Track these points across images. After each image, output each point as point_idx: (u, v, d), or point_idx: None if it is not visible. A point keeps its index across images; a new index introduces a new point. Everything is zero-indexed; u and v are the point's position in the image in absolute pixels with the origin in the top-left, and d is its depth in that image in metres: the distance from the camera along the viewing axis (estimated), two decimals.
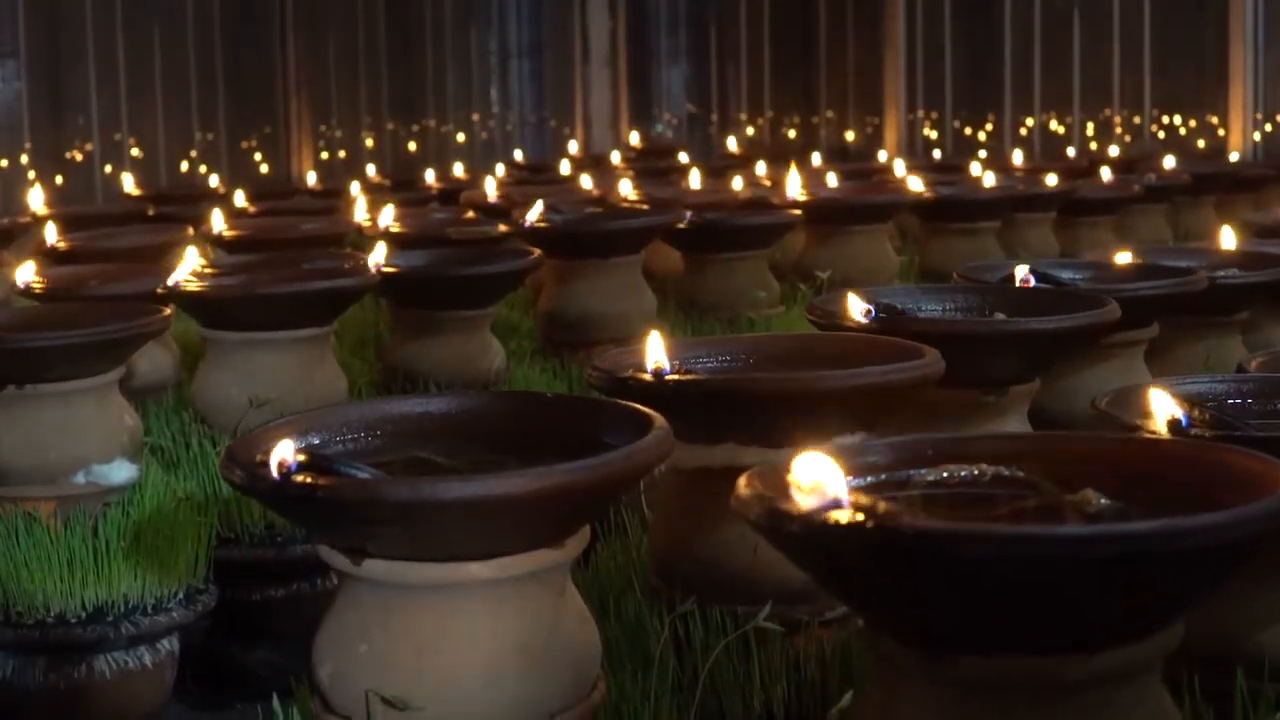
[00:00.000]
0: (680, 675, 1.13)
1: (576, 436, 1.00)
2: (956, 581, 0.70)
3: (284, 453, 0.89)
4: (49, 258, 2.44)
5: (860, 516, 0.70)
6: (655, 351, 1.16)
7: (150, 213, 3.26)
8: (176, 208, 3.32)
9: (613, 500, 0.99)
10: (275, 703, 1.04)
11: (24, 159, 4.46)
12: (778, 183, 3.34)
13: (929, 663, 0.75)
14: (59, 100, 4.48)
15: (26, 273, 2.03)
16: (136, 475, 1.66)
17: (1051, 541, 0.67)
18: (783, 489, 0.76)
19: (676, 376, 1.13)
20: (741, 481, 0.80)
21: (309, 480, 0.88)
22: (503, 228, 2.32)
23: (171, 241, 2.51)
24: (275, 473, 0.89)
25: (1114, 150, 4.60)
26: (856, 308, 1.38)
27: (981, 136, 5.34)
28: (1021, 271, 1.63)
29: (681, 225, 2.33)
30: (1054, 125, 5.16)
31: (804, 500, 0.73)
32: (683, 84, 5.70)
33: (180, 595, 1.66)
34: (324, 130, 5.07)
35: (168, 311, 1.67)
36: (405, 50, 5.20)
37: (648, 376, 1.13)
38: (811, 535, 0.71)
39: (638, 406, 1.02)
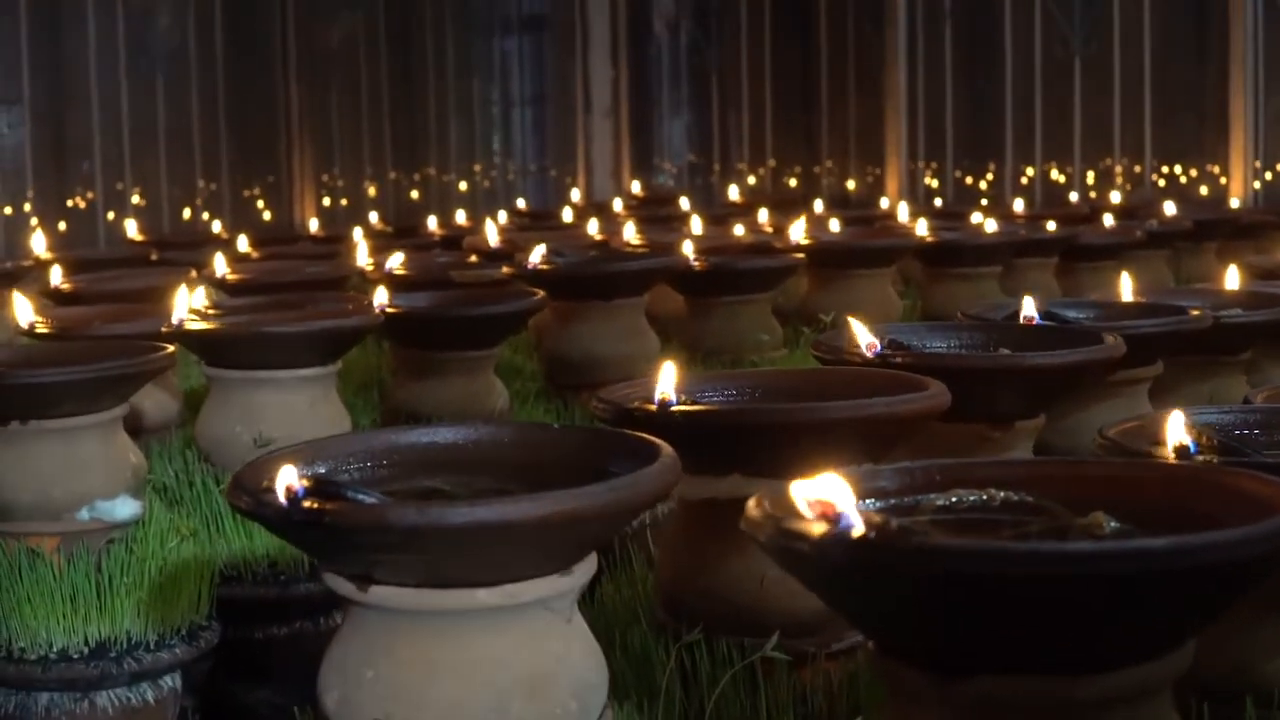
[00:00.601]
0: (686, 708, 1.12)
1: (583, 466, 1.00)
2: (969, 600, 0.70)
3: (290, 478, 0.89)
4: (52, 299, 2.44)
5: (871, 534, 0.70)
6: (662, 384, 1.16)
7: (153, 257, 3.27)
8: (180, 253, 3.33)
9: (621, 527, 0.98)
10: None
11: (26, 206, 4.47)
12: (780, 230, 3.36)
13: (940, 685, 0.74)
14: (62, 147, 4.50)
15: (28, 313, 2.04)
16: (140, 512, 1.66)
17: (1066, 558, 0.67)
18: (793, 510, 0.76)
19: (682, 407, 1.13)
20: (751, 503, 0.80)
21: (316, 505, 0.88)
22: (506, 270, 2.32)
23: (175, 284, 2.51)
24: (282, 498, 0.89)
25: (1115, 198, 4.61)
26: (863, 342, 1.38)
27: (983, 186, 5.36)
28: (1027, 309, 1.63)
29: (685, 268, 2.33)
30: (1055, 175, 5.18)
31: (815, 519, 0.73)
32: (684, 134, 5.73)
33: (183, 632, 1.66)
34: (326, 179, 5.09)
35: (172, 349, 1.67)
36: (408, 100, 5.23)
37: (653, 407, 1.13)
38: (823, 554, 0.71)
39: (644, 436, 1.02)
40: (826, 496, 0.73)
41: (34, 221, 4.40)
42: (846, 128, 5.39)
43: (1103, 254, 3.26)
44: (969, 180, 5.38)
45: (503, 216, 4.17)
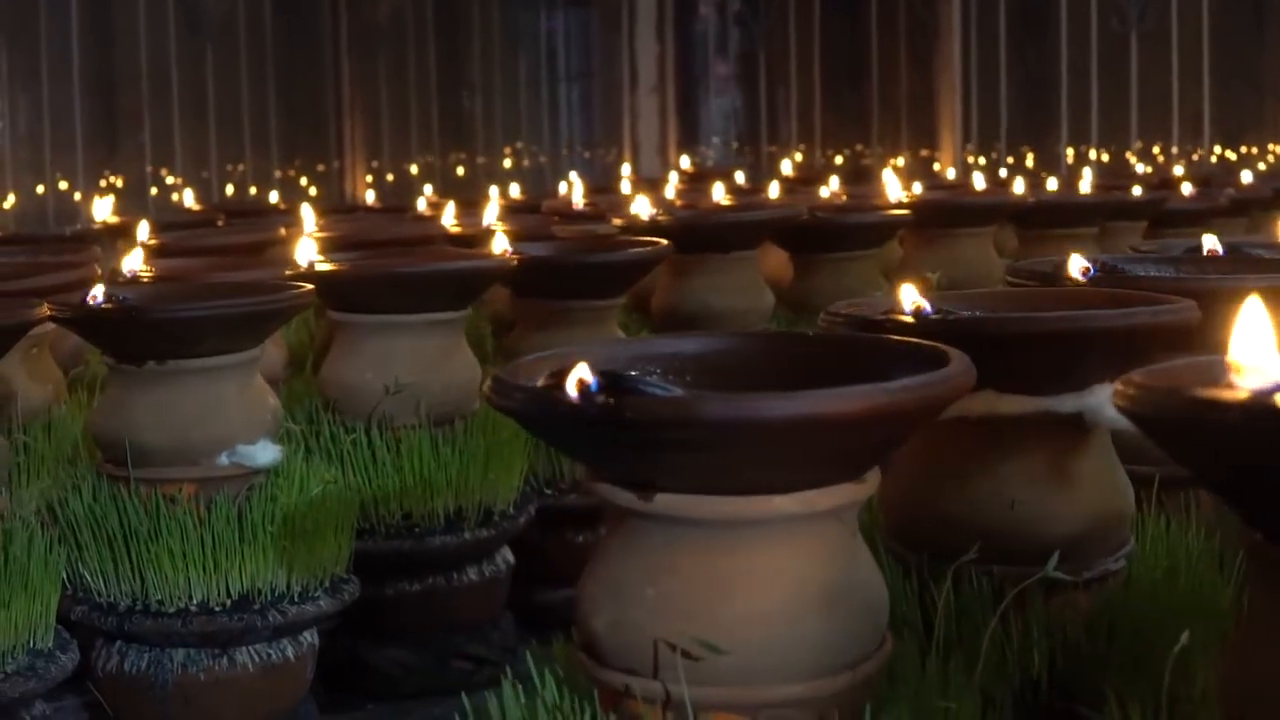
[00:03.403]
0: (950, 637, 1.04)
1: (851, 376, 0.91)
2: None
3: (583, 372, 0.81)
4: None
5: None
6: (908, 297, 1.08)
7: (220, 223, 3.19)
8: (245, 220, 3.25)
9: (918, 430, 0.90)
10: (529, 660, 0.95)
11: (63, 184, 4.39)
12: (856, 196, 3.29)
13: None
14: (112, 121, 4.42)
15: (134, 262, 1.95)
16: (280, 457, 1.57)
17: None
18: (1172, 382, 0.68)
19: (943, 316, 1.05)
20: (1119, 385, 0.73)
21: (615, 399, 0.80)
22: (616, 221, 2.24)
23: (265, 240, 2.44)
24: (573, 393, 0.81)
25: (1178, 171, 4.53)
26: (1075, 267, 1.31)
27: (1029, 164, 5.28)
28: (1209, 242, 1.56)
29: (804, 220, 2.26)
30: (1112, 152, 5.10)
31: (1241, 385, 0.65)
32: (731, 110, 5.64)
33: (326, 584, 1.58)
34: (373, 155, 5.01)
35: (310, 287, 1.59)
36: (454, 76, 5.14)
37: (908, 317, 1.05)
38: (1255, 419, 0.63)
39: (925, 342, 0.94)
40: (1258, 360, 0.65)
41: (77, 196, 4.33)
42: (898, 105, 5.32)
43: (1189, 219, 3.19)
44: (1011, 159, 5.30)
45: (563, 188, 4.08)
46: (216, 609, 1.52)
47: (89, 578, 1.55)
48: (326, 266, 1.72)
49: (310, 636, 1.60)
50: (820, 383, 0.87)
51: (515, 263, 1.78)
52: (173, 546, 1.51)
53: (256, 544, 1.52)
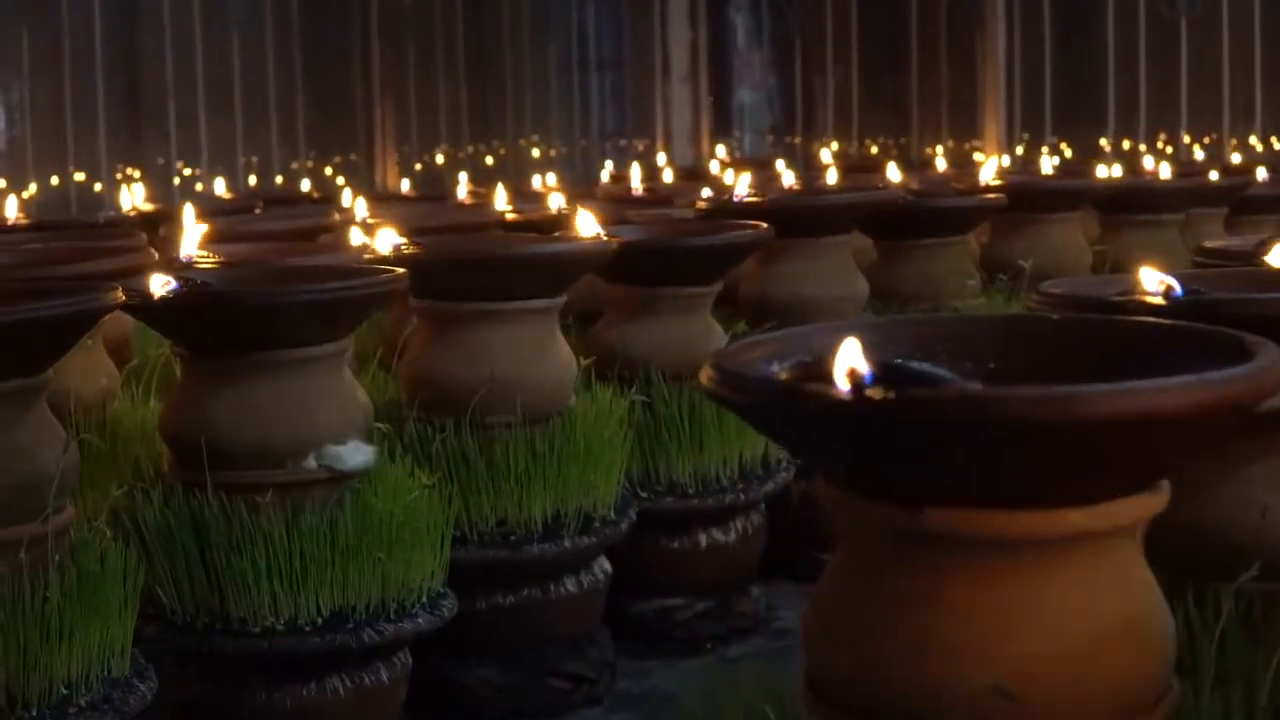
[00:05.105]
0: (1214, 669, 0.90)
1: (1121, 366, 0.77)
2: None
3: (852, 360, 0.67)
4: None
5: None
6: (1150, 276, 0.94)
7: (257, 211, 3.05)
8: (280, 209, 3.11)
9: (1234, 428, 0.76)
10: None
11: (79, 176, 4.25)
12: (925, 182, 3.16)
13: None
14: (137, 110, 4.27)
15: (190, 246, 1.80)
16: (373, 459, 1.42)
17: None
18: None
19: (1197, 297, 0.91)
20: None
21: (897, 394, 0.65)
22: (699, 204, 2.10)
23: (319, 226, 2.30)
24: (845, 386, 0.66)
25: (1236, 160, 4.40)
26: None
27: (1068, 153, 5.14)
28: None
29: (901, 203, 2.12)
30: (1149, 144, 4.96)
31: None
32: (765, 99, 5.50)
33: (423, 600, 1.44)
34: (401, 144, 4.86)
35: (402, 270, 1.44)
36: (482, 65, 5.00)
37: (1157, 298, 0.91)
38: None
39: (1208, 327, 0.79)
40: None
41: (98, 186, 4.19)
42: (939, 94, 5.17)
43: (1269, 206, 3.08)
44: (1046, 149, 5.16)
45: (604, 176, 3.95)
46: (305, 628, 1.38)
47: (161, 593, 1.40)
48: (414, 251, 1.57)
49: (405, 657, 1.46)
50: (1086, 373, 0.72)
51: (615, 246, 1.64)
52: (256, 559, 1.37)
53: (349, 556, 1.38)
